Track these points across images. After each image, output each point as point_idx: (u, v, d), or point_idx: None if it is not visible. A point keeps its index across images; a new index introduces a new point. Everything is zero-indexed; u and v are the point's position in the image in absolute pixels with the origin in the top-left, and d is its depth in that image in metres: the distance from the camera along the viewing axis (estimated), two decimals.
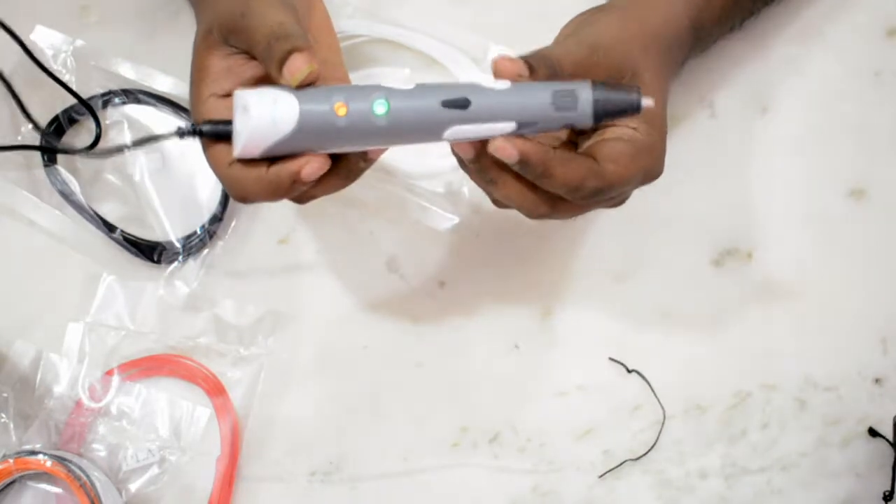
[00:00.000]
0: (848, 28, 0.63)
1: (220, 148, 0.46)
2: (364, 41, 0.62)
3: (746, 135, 0.62)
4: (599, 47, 0.48)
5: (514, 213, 0.49)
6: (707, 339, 0.60)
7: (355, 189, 0.49)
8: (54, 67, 0.60)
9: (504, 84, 0.45)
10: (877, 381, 0.59)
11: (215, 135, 0.46)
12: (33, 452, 0.55)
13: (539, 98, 0.44)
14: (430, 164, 0.60)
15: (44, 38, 0.61)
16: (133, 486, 0.57)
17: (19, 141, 0.60)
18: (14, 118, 0.60)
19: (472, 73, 0.61)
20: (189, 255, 0.60)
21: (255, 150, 0.45)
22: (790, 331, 0.60)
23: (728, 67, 0.63)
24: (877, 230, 0.61)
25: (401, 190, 0.60)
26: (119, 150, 0.58)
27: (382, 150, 0.47)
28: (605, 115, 0.45)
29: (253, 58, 0.47)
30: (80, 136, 0.62)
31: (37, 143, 0.60)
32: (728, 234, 0.61)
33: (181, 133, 0.46)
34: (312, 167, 0.45)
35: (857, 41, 0.63)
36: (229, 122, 0.45)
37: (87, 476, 0.54)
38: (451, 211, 0.60)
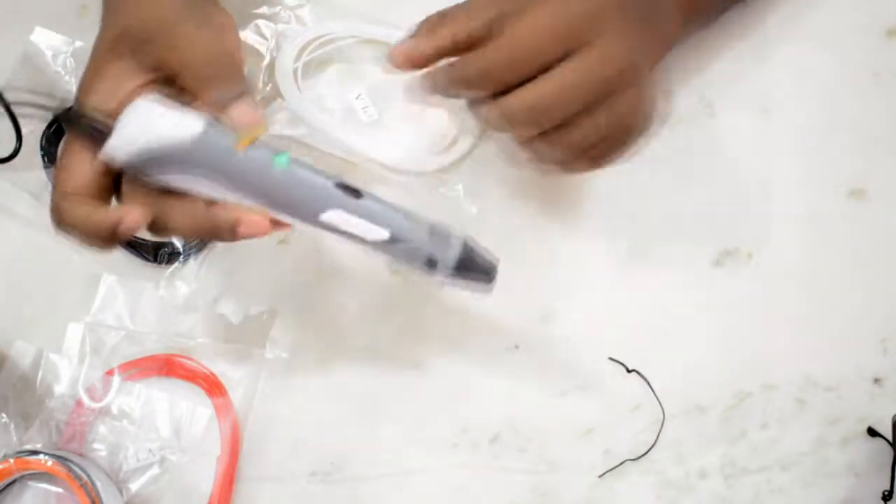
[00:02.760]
0: (848, 28, 0.63)
1: (79, 156, 0.45)
2: (356, 41, 0.62)
3: (746, 135, 0.62)
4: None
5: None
6: (707, 339, 0.60)
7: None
8: (54, 68, 0.61)
9: (396, 203, 0.46)
10: (876, 380, 0.59)
11: (92, 128, 0.45)
12: (34, 452, 0.55)
13: (420, 223, 0.46)
14: (423, 161, 0.61)
15: (43, 39, 0.61)
16: (133, 486, 0.57)
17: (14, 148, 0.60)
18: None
19: None
20: (189, 255, 0.60)
21: (130, 147, 0.44)
22: (790, 331, 0.60)
23: (728, 67, 0.63)
24: (877, 230, 0.61)
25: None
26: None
27: (253, 225, 0.45)
28: (463, 267, 0.47)
29: (154, 71, 0.46)
30: None
31: (37, 144, 0.60)
32: (728, 234, 0.61)
33: (56, 115, 0.45)
34: (132, 220, 0.44)
35: (857, 41, 0.63)
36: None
37: (88, 476, 0.54)
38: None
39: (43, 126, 0.59)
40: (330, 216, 0.45)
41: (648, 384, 0.59)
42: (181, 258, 0.60)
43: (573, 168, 0.51)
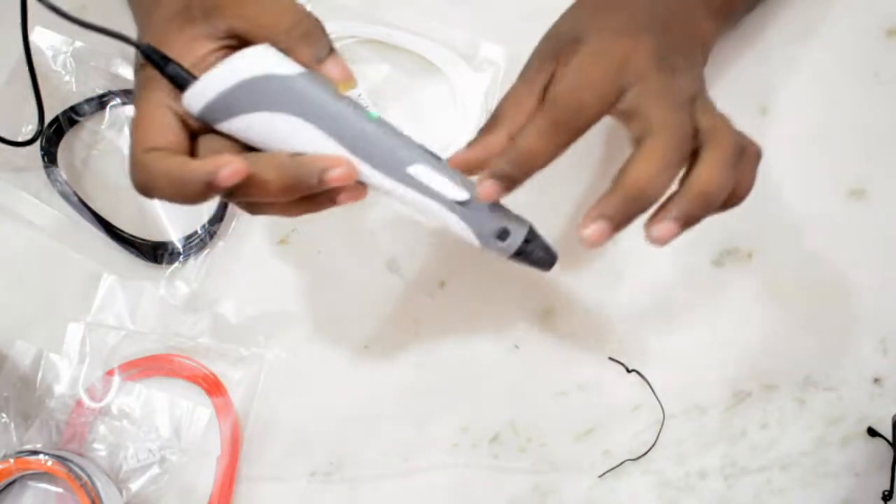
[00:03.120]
0: (848, 28, 0.63)
1: (159, 109, 0.44)
2: (355, 42, 0.62)
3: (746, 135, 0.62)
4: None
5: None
6: (707, 340, 0.60)
7: None
8: (54, 68, 0.61)
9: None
10: (876, 380, 0.59)
11: (177, 74, 0.44)
12: (34, 452, 0.55)
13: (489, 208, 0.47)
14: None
15: (43, 39, 0.61)
16: (133, 486, 0.57)
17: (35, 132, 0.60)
18: (15, 119, 0.60)
19: (462, 71, 0.62)
20: (189, 255, 0.60)
21: (226, 82, 0.43)
22: (790, 331, 0.60)
23: (728, 67, 0.63)
24: (877, 230, 0.61)
25: None
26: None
27: (340, 172, 0.45)
28: (529, 246, 0.48)
29: (227, 37, 0.45)
30: (81, 136, 0.62)
31: (37, 144, 0.60)
32: (728, 234, 0.61)
33: (145, 50, 0.44)
34: (231, 169, 0.42)
35: (857, 41, 0.63)
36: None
37: (88, 476, 0.54)
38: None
39: (43, 127, 0.59)
40: (416, 170, 0.46)
41: (648, 384, 0.59)
42: (181, 258, 0.60)
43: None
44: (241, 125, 0.44)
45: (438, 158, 0.47)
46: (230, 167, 0.42)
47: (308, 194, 0.44)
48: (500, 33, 0.62)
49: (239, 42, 0.45)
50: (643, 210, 0.45)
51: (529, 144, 0.46)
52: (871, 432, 0.59)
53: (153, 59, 0.44)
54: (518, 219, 0.48)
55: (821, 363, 0.60)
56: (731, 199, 0.47)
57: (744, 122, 0.62)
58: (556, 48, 0.49)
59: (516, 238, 0.47)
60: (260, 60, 0.44)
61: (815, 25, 0.63)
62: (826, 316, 0.60)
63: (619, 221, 0.45)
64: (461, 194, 0.46)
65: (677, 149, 0.45)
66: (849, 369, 0.59)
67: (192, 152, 0.45)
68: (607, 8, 0.50)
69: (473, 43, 0.63)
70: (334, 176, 0.44)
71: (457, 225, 0.47)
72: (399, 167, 0.46)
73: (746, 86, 0.63)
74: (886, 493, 0.58)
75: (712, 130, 0.46)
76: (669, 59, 0.47)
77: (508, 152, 0.46)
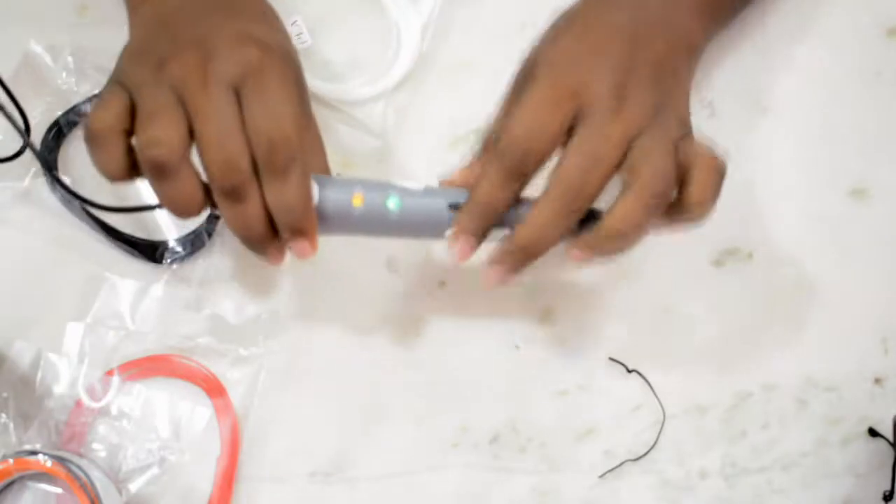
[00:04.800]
0: (848, 28, 0.63)
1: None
2: None
3: (746, 135, 0.62)
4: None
5: None
6: (707, 339, 0.60)
7: None
8: (53, 68, 0.61)
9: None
10: (877, 381, 0.59)
11: None
12: (33, 452, 0.55)
13: (529, 200, 0.48)
14: (352, 91, 0.62)
15: (43, 39, 0.61)
16: (133, 486, 0.57)
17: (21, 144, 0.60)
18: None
19: (401, 4, 0.63)
20: (189, 254, 0.60)
21: None
22: (790, 331, 0.60)
23: (728, 67, 0.63)
24: (877, 230, 0.61)
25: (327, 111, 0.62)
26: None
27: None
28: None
29: None
30: (82, 136, 0.62)
31: (38, 146, 0.60)
32: (728, 234, 0.61)
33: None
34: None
35: (857, 41, 0.63)
36: None
37: (88, 476, 0.54)
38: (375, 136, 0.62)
39: (27, 141, 0.59)
40: (451, 232, 0.49)
41: (648, 384, 0.59)
42: (181, 258, 0.60)
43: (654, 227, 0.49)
44: None
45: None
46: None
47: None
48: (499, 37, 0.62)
49: None
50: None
51: (485, 195, 0.47)
52: (872, 432, 0.59)
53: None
54: None
55: (821, 363, 0.60)
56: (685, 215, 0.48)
57: (744, 122, 0.63)
58: (520, 77, 0.49)
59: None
60: None
61: (815, 25, 0.63)
62: (826, 316, 0.60)
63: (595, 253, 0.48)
64: (501, 232, 0.48)
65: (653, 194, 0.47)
66: (849, 369, 0.59)
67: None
68: (569, 27, 0.50)
69: None
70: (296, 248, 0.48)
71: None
72: (437, 234, 0.49)
73: (746, 86, 0.63)
74: (887, 493, 0.58)
75: (640, 164, 0.46)
76: (632, 79, 0.47)
77: (469, 206, 0.48)
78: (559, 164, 0.46)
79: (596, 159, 0.46)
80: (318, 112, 0.60)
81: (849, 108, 0.62)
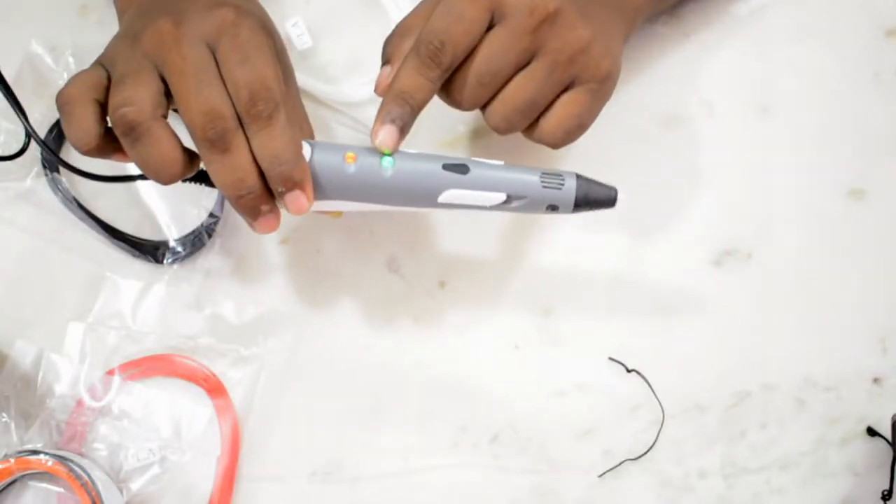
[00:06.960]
0: (848, 28, 0.63)
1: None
2: None
3: (746, 135, 0.62)
4: None
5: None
6: (707, 339, 0.60)
7: None
8: (55, 68, 0.61)
9: (498, 162, 0.48)
10: (876, 380, 0.60)
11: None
12: (34, 452, 0.55)
13: (529, 176, 0.48)
14: (352, 92, 0.61)
15: (44, 39, 0.61)
16: (134, 486, 0.57)
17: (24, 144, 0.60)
18: (15, 124, 0.60)
19: (403, 6, 0.62)
20: (189, 254, 0.60)
21: None
22: (790, 331, 0.60)
23: (728, 67, 0.63)
24: (876, 230, 0.61)
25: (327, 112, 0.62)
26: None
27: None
28: (584, 203, 0.48)
29: None
30: None
31: (37, 149, 0.60)
32: (728, 234, 0.61)
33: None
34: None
35: (856, 41, 0.63)
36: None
37: (89, 475, 0.54)
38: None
39: (29, 141, 0.59)
40: (446, 196, 0.48)
41: (648, 384, 0.59)
42: (182, 258, 0.60)
43: (528, 132, 0.51)
44: None
45: (465, 170, 0.48)
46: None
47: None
48: None
49: None
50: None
51: (403, 82, 0.47)
52: (871, 432, 0.59)
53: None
54: (557, 175, 0.48)
55: (820, 363, 0.60)
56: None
57: (744, 122, 0.62)
58: None
59: (567, 198, 0.48)
60: None
61: (815, 25, 0.63)
62: (826, 316, 0.60)
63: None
64: (497, 198, 0.48)
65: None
66: (848, 369, 0.60)
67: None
68: None
69: None
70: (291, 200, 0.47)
71: (507, 211, 0.49)
72: (430, 200, 0.48)
73: (746, 86, 0.63)
74: (886, 492, 0.58)
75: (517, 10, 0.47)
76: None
77: (389, 94, 0.48)
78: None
79: (459, 16, 0.47)
80: (319, 113, 0.61)
81: (848, 108, 0.62)
